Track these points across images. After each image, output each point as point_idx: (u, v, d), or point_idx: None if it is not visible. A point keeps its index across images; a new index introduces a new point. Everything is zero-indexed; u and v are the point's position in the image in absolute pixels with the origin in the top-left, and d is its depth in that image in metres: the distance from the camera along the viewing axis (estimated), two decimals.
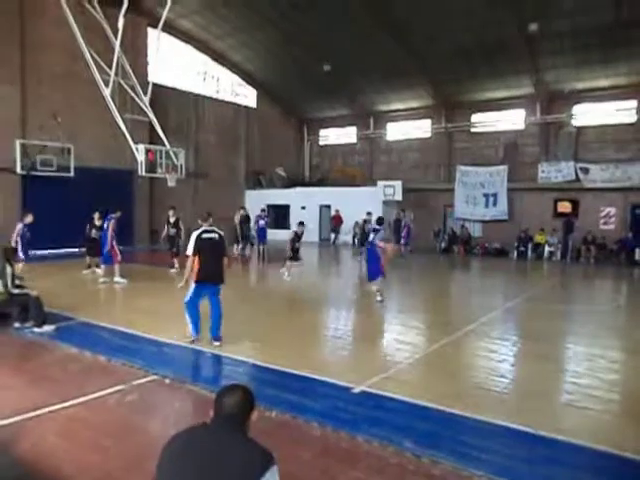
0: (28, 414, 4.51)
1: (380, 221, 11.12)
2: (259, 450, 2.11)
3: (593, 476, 3.76)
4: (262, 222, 18.34)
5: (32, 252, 12.00)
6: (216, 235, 6.95)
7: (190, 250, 6.84)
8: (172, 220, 14.11)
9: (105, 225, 12.40)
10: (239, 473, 2.00)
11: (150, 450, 3.83)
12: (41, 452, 3.87)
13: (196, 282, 6.86)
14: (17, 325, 7.56)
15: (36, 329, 7.40)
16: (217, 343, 6.86)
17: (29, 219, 11.90)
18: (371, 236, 10.80)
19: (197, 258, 6.80)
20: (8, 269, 7.63)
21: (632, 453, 3.98)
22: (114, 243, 12.14)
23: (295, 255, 13.66)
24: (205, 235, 6.89)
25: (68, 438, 4.17)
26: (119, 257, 12.10)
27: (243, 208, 19.13)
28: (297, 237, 13.73)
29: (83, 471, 3.59)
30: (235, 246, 18.34)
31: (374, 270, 10.58)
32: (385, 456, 3.90)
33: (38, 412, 4.56)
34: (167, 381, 5.50)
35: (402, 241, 19.65)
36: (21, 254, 11.54)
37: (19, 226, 11.79)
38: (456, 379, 5.89)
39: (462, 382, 5.80)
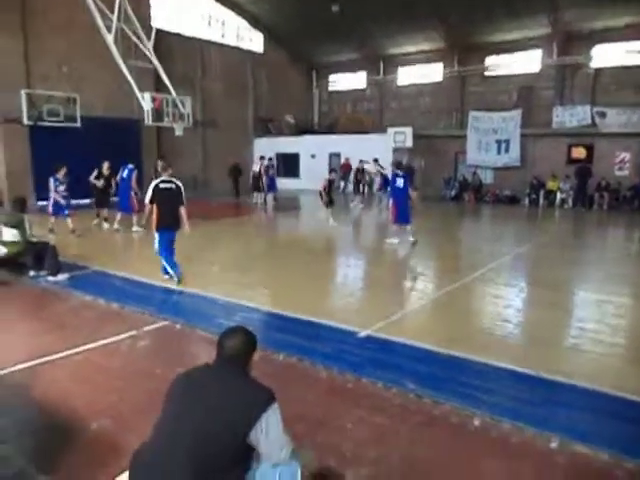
0: (43, 359, 4.67)
1: (400, 165, 11.40)
2: (260, 388, 2.18)
3: (593, 416, 3.85)
4: (272, 171, 18.59)
5: (68, 209, 11.78)
6: (173, 185, 7.30)
7: (147, 199, 7.28)
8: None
9: (125, 175, 12.53)
10: (241, 410, 2.08)
11: (160, 391, 3.94)
12: (56, 394, 4.03)
13: (157, 230, 7.33)
14: (32, 273, 7.72)
15: (51, 277, 7.57)
16: (166, 277, 7.46)
17: (61, 173, 11.70)
18: (399, 181, 11.01)
19: (156, 207, 7.23)
20: (26, 219, 7.75)
21: (632, 394, 4.05)
22: (133, 193, 12.38)
23: (331, 202, 14.08)
24: (162, 185, 7.27)
25: (82, 381, 4.33)
26: (137, 207, 12.14)
27: (263, 158, 19.17)
28: (330, 184, 14.12)
29: (96, 412, 3.74)
30: (256, 194, 18.49)
31: (406, 213, 10.99)
32: (388, 396, 4.02)
33: (53, 357, 4.72)
34: (178, 326, 5.64)
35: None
36: (50, 209, 11.74)
37: (51, 181, 11.61)
38: (461, 324, 5.97)
39: (467, 327, 5.88)
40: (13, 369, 4.45)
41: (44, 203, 16.88)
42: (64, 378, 4.36)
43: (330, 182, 14.23)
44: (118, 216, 12.50)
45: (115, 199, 13.00)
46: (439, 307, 6.73)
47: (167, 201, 7.26)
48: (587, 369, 4.69)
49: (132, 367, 4.64)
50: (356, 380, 4.28)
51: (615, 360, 5.02)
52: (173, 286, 7.30)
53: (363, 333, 5.39)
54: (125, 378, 4.38)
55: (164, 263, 7.52)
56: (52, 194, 11.64)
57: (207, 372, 2.25)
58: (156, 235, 7.40)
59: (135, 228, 12.22)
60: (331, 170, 15.29)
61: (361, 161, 20.64)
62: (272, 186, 18.77)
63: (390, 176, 11.55)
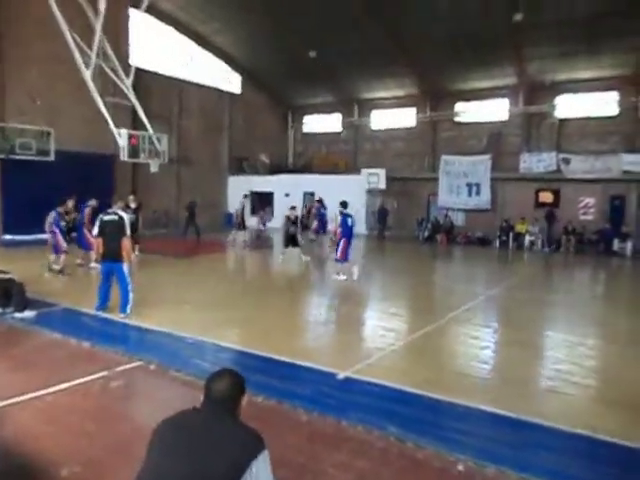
0: (11, 399, 4.46)
1: (346, 205, 12.02)
2: (250, 434, 2.12)
3: (573, 458, 3.86)
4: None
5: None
6: (116, 217, 7.59)
7: (95, 231, 7.70)
8: (133, 206, 13.56)
9: (81, 214, 12.01)
10: (231, 457, 2.02)
11: (135, 435, 3.85)
12: (25, 437, 3.84)
13: (100, 260, 7.76)
14: None
15: (17, 314, 7.32)
16: (122, 315, 7.45)
17: (62, 208, 11.51)
18: (349, 220, 11.60)
19: (101, 239, 7.59)
20: None
21: (609, 436, 4.09)
22: (87, 231, 11.52)
23: (290, 242, 13.96)
24: (106, 217, 7.62)
25: (52, 423, 4.14)
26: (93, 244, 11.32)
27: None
28: (290, 222, 13.99)
29: (67, 456, 3.57)
30: (235, 232, 18.45)
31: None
32: (370, 440, 3.96)
33: (21, 398, 4.52)
34: (152, 367, 5.48)
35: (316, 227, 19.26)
36: (63, 244, 11.12)
37: (52, 215, 11.19)
38: (439, 365, 5.98)
39: (445, 368, 5.88)
40: None
41: (11, 237, 16.54)
42: (32, 420, 4.16)
43: (288, 219, 14.12)
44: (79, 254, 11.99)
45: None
46: (416, 348, 6.73)
47: (109, 232, 7.51)
48: (564, 411, 4.72)
49: (104, 409, 4.46)
50: (337, 423, 4.22)
51: (591, 402, 5.08)
52: (144, 324, 7.13)
53: (342, 375, 5.33)
54: (97, 421, 4.20)
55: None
56: (54, 229, 11.02)
57: (195, 417, 2.18)
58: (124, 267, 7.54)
59: (92, 264, 11.48)
60: (292, 207, 14.85)
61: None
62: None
63: (340, 217, 11.83)
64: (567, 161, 20.48)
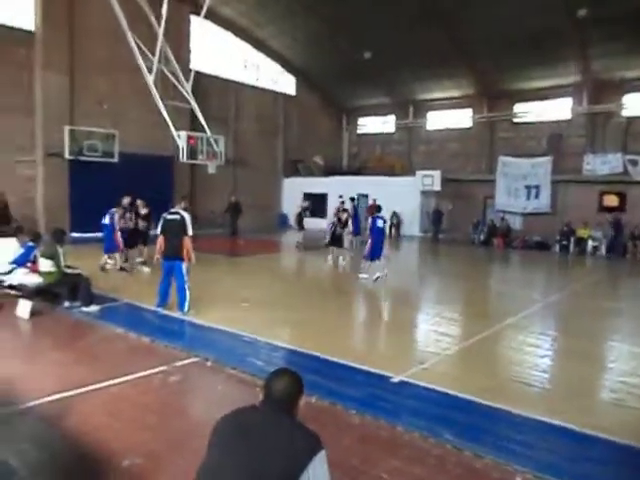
0: (76, 390, 4.67)
1: (379, 208, 12.48)
2: (308, 434, 2.13)
3: (635, 474, 3.66)
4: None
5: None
6: (178, 216, 7.72)
7: (158, 230, 7.86)
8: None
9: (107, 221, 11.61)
10: (288, 456, 2.03)
11: (193, 430, 3.96)
12: (88, 427, 4.01)
13: (162, 258, 7.84)
14: (67, 304, 7.84)
15: (84, 308, 7.67)
16: (180, 313, 7.63)
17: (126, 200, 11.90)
18: (380, 222, 11.87)
19: (162, 237, 7.76)
20: (59, 250, 7.92)
21: None
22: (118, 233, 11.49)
23: (336, 242, 13.98)
24: (169, 216, 7.80)
25: (114, 415, 4.31)
26: (122, 246, 11.59)
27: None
28: (339, 223, 14.06)
29: (128, 447, 3.70)
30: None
31: (379, 250, 11.74)
32: (425, 447, 3.89)
33: (85, 389, 4.73)
34: (208, 363, 5.61)
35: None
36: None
37: (115, 214, 11.49)
38: (496, 373, 5.81)
39: (502, 375, 5.71)
40: (46, 399, 4.47)
41: (79, 235, 17.36)
42: (96, 411, 4.35)
43: (339, 220, 14.15)
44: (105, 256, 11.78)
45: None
46: (472, 354, 6.57)
47: (171, 231, 7.70)
48: (628, 425, 4.49)
49: (164, 403, 4.61)
50: (391, 428, 4.17)
51: None
52: (202, 321, 7.31)
53: (396, 379, 5.27)
54: (157, 414, 4.34)
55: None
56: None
57: (254, 415, 2.21)
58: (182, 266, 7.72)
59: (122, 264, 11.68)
60: (343, 209, 14.75)
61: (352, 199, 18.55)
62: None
63: (371, 218, 12.19)
64: (635, 162, 19.46)
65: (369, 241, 11.84)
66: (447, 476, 3.51)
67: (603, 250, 19.44)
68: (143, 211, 12.58)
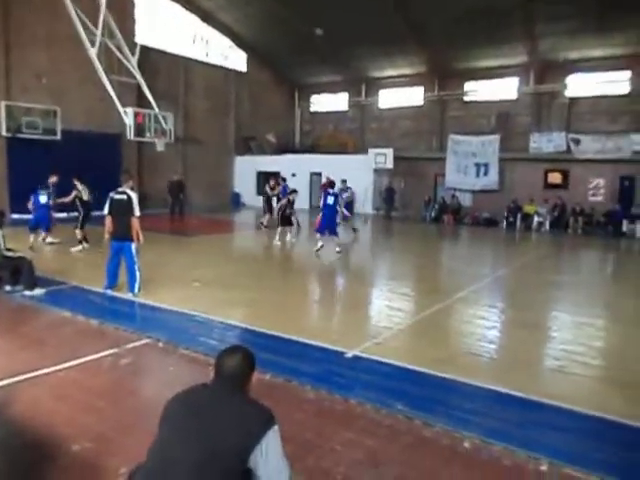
0: (21, 376, 4.50)
1: (332, 184, 13.95)
2: (261, 410, 2.13)
3: (580, 438, 3.86)
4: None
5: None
6: (125, 196, 7.52)
7: (105, 210, 7.64)
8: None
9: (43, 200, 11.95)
10: (241, 432, 2.02)
11: (144, 411, 3.89)
12: (35, 413, 3.88)
13: (110, 239, 7.69)
14: (8, 288, 7.51)
15: (27, 292, 7.37)
16: (130, 294, 7.50)
17: (53, 179, 12.23)
18: (330, 199, 12.44)
19: (110, 217, 7.58)
20: (0, 233, 7.56)
21: (616, 416, 4.09)
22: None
23: (286, 221, 14.07)
24: (116, 196, 7.58)
25: (62, 400, 4.18)
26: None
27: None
28: (289, 204, 13.97)
29: (77, 432, 3.61)
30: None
31: (333, 226, 12.49)
32: (378, 418, 3.97)
33: (31, 374, 4.56)
34: (160, 344, 5.52)
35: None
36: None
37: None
38: (446, 345, 5.98)
39: (452, 347, 5.88)
40: None
41: (19, 216, 16.59)
42: (44, 397, 4.21)
43: (289, 201, 14.30)
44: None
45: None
46: (423, 328, 6.74)
47: (118, 212, 7.50)
48: (572, 391, 4.72)
49: (114, 386, 4.50)
50: (345, 401, 4.23)
51: (599, 382, 5.07)
52: (153, 302, 7.17)
53: (350, 353, 5.34)
54: (107, 397, 4.24)
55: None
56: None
57: (205, 393, 2.19)
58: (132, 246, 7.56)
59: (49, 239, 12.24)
60: (293, 190, 14.87)
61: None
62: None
63: (322, 194, 13.11)
64: (577, 141, 20.23)
65: (319, 215, 12.45)
66: (398, 445, 3.60)
67: (547, 226, 20.22)
68: (85, 197, 12.12)
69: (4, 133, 16.66)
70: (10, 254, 7.76)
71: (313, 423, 3.87)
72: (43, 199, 11.92)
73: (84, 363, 4.91)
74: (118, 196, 7.55)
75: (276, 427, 2.08)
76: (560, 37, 20.02)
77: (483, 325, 6.84)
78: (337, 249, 12.21)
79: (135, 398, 4.14)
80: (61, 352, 5.13)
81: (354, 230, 16.85)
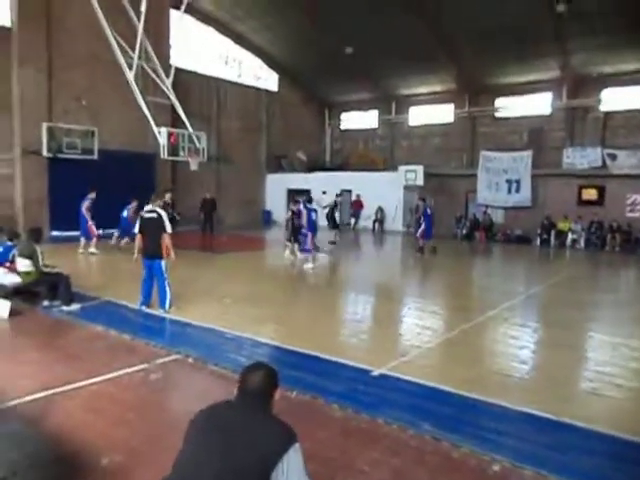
0: (56, 389, 4.64)
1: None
2: (283, 427, 2.15)
3: (615, 463, 3.74)
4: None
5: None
6: (155, 214, 7.70)
7: (136, 228, 7.86)
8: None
9: (82, 205, 13.68)
10: (263, 449, 2.04)
11: (173, 426, 3.93)
12: (68, 425, 3.99)
13: (142, 257, 7.83)
14: (46, 303, 7.75)
15: (64, 307, 7.60)
16: (161, 311, 7.65)
17: (93, 195, 13.66)
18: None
19: (140, 236, 7.77)
20: (37, 249, 7.84)
21: None
22: (90, 221, 13.58)
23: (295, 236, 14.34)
24: (146, 215, 7.77)
25: (94, 413, 4.29)
26: (95, 233, 13.70)
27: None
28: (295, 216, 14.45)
29: (109, 445, 3.69)
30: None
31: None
32: (404, 438, 3.93)
33: (65, 388, 4.69)
34: (190, 360, 5.60)
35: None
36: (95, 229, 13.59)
37: (87, 202, 13.55)
38: (476, 364, 5.87)
39: (482, 367, 5.78)
40: (25, 399, 4.42)
41: (59, 234, 17.17)
42: (77, 409, 4.32)
43: (292, 212, 14.54)
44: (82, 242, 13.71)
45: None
46: (453, 346, 6.64)
47: (149, 230, 7.68)
48: (606, 414, 4.59)
49: (145, 400, 4.59)
50: (371, 420, 4.21)
51: (635, 405, 4.90)
52: (183, 318, 7.29)
53: (377, 372, 5.31)
54: (138, 411, 4.33)
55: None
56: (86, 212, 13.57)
57: (229, 409, 2.23)
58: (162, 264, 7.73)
59: (92, 250, 13.59)
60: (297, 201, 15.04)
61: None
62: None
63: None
64: (614, 156, 19.77)
65: (309, 234, 12.84)
66: (425, 466, 3.55)
67: (582, 243, 19.73)
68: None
69: (45, 154, 17.29)
70: (48, 270, 8.02)
71: (338, 442, 3.86)
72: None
73: (116, 377, 5.02)
74: (148, 215, 7.74)
75: (297, 445, 2.09)
76: (593, 51, 19.73)
77: (514, 345, 6.71)
78: (311, 264, 12.49)
79: (164, 412, 4.21)
80: (94, 366, 5.26)
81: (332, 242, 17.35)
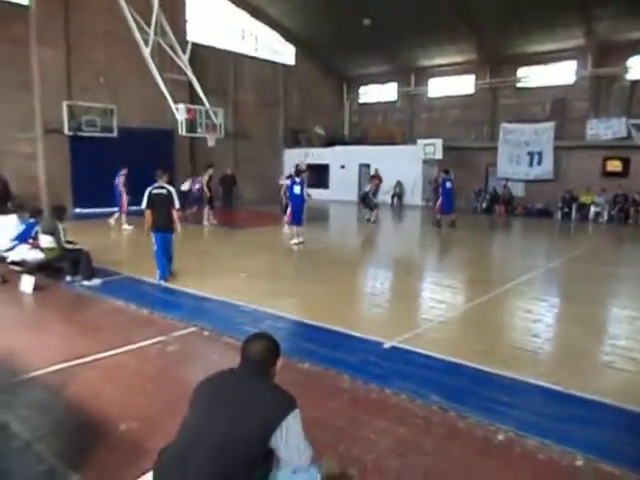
0: (77, 361, 4.83)
1: (299, 172, 12.83)
2: (282, 394, 2.23)
3: (621, 434, 3.76)
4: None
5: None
6: (164, 190, 7.95)
7: (144, 204, 7.99)
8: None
9: (116, 180, 14.30)
10: (263, 414, 2.13)
11: (187, 395, 4.03)
12: (88, 395, 4.17)
13: (153, 231, 8.02)
14: (68, 279, 7.98)
15: (85, 282, 7.82)
16: (163, 280, 8.02)
17: (125, 171, 14.31)
18: (296, 188, 12.23)
19: (150, 211, 7.95)
20: (59, 226, 8.04)
21: None
22: (125, 195, 14.15)
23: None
24: (155, 191, 7.97)
25: (113, 383, 4.47)
26: (125, 208, 14.18)
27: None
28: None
29: (126, 412, 3.86)
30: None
31: (300, 216, 12.26)
32: (412, 408, 4.01)
33: (86, 359, 4.88)
34: (205, 333, 5.75)
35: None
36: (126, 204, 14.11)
37: (121, 178, 14.19)
38: (489, 337, 5.90)
39: (495, 340, 5.81)
40: (49, 369, 4.62)
41: (82, 211, 17.51)
42: (97, 380, 4.50)
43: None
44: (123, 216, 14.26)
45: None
46: (468, 319, 6.68)
47: (159, 205, 7.92)
48: (618, 387, 4.59)
49: (161, 371, 4.75)
50: (380, 391, 4.30)
51: None
52: (200, 292, 7.45)
53: (388, 344, 5.39)
54: (154, 381, 4.49)
55: (155, 262, 8.16)
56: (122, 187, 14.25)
57: (230, 377, 2.32)
58: (152, 236, 8.06)
59: (124, 226, 14.11)
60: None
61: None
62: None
63: (289, 182, 12.76)
64: (639, 127, 19.21)
65: (289, 206, 12.39)
66: (431, 435, 3.63)
67: (605, 216, 19.37)
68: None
69: (67, 132, 17.52)
70: (70, 246, 8.24)
71: (347, 411, 3.95)
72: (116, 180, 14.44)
73: (134, 349, 5.20)
74: (157, 190, 7.99)
75: (297, 411, 2.18)
76: (619, 17, 18.99)
77: (529, 318, 6.69)
78: (300, 239, 12.10)
79: (179, 383, 4.34)
80: (114, 339, 5.44)
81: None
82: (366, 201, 17.28)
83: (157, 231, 8.00)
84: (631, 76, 20.61)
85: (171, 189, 8.02)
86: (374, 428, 3.68)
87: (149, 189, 8.06)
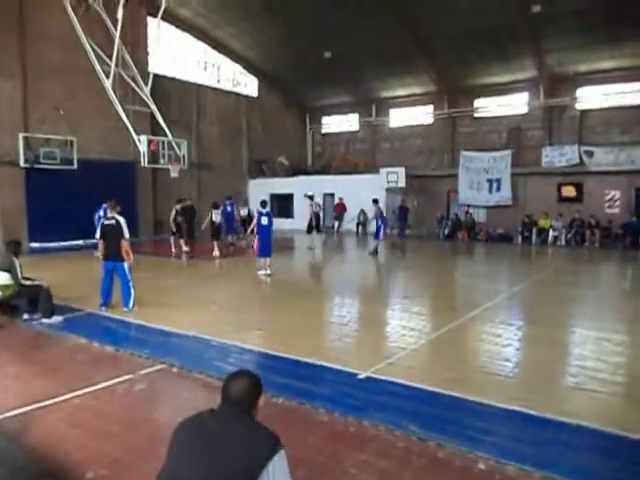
0: (38, 404, 4.56)
1: (265, 204, 12.40)
2: (267, 434, 2.14)
3: (599, 457, 3.78)
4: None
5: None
6: (113, 221, 8.26)
7: (97, 235, 8.48)
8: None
9: (99, 213, 13.77)
10: (247, 457, 2.03)
11: (159, 437, 3.89)
12: (51, 440, 3.92)
13: (104, 260, 8.36)
14: (26, 317, 7.64)
15: (45, 320, 7.48)
16: (125, 309, 8.19)
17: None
18: (264, 219, 11.94)
19: (102, 241, 8.33)
20: (16, 261, 7.71)
21: (637, 434, 4.00)
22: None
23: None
24: (106, 222, 8.39)
25: (77, 426, 4.23)
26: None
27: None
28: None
29: (93, 458, 3.64)
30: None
31: (269, 247, 11.99)
32: (391, 440, 3.94)
33: (48, 402, 4.62)
34: (174, 370, 5.55)
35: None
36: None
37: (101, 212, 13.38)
38: (461, 364, 5.91)
39: (467, 367, 5.82)
40: (7, 415, 4.35)
41: (39, 245, 16.93)
42: (60, 423, 4.25)
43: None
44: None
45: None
46: (438, 347, 6.69)
47: (110, 236, 8.23)
48: (589, 408, 4.64)
49: (129, 412, 4.54)
50: (358, 423, 4.21)
51: (617, 399, 4.98)
52: (167, 328, 7.23)
53: (363, 375, 5.32)
54: (122, 423, 4.27)
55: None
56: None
57: (212, 418, 2.21)
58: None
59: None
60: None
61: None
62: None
63: (256, 214, 12.38)
64: (590, 153, 20.11)
65: (256, 239, 11.99)
66: (412, 467, 3.56)
67: (563, 240, 20.00)
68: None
69: (22, 164, 17.05)
70: (27, 283, 7.88)
71: (326, 446, 3.85)
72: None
73: (99, 390, 4.96)
74: (108, 222, 8.33)
75: (282, 452, 2.09)
76: (568, 50, 20.10)
77: (498, 343, 6.76)
78: (267, 271, 11.84)
79: (149, 424, 4.16)
80: (77, 379, 5.19)
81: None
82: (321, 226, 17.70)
83: (107, 259, 8.29)
84: (580, 106, 21.65)
85: (121, 220, 8.22)
86: (355, 462, 3.59)
87: (102, 221, 8.48)
